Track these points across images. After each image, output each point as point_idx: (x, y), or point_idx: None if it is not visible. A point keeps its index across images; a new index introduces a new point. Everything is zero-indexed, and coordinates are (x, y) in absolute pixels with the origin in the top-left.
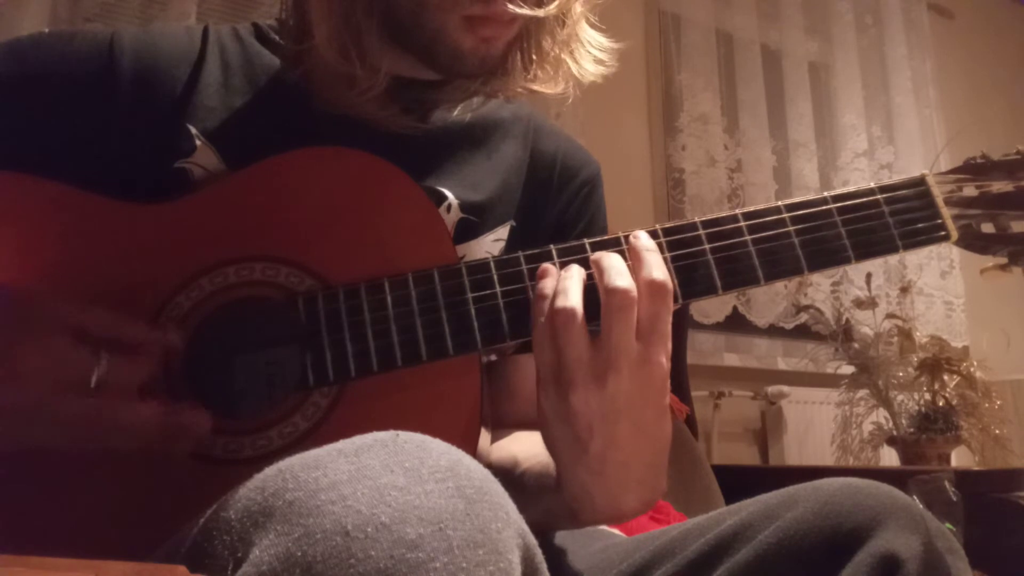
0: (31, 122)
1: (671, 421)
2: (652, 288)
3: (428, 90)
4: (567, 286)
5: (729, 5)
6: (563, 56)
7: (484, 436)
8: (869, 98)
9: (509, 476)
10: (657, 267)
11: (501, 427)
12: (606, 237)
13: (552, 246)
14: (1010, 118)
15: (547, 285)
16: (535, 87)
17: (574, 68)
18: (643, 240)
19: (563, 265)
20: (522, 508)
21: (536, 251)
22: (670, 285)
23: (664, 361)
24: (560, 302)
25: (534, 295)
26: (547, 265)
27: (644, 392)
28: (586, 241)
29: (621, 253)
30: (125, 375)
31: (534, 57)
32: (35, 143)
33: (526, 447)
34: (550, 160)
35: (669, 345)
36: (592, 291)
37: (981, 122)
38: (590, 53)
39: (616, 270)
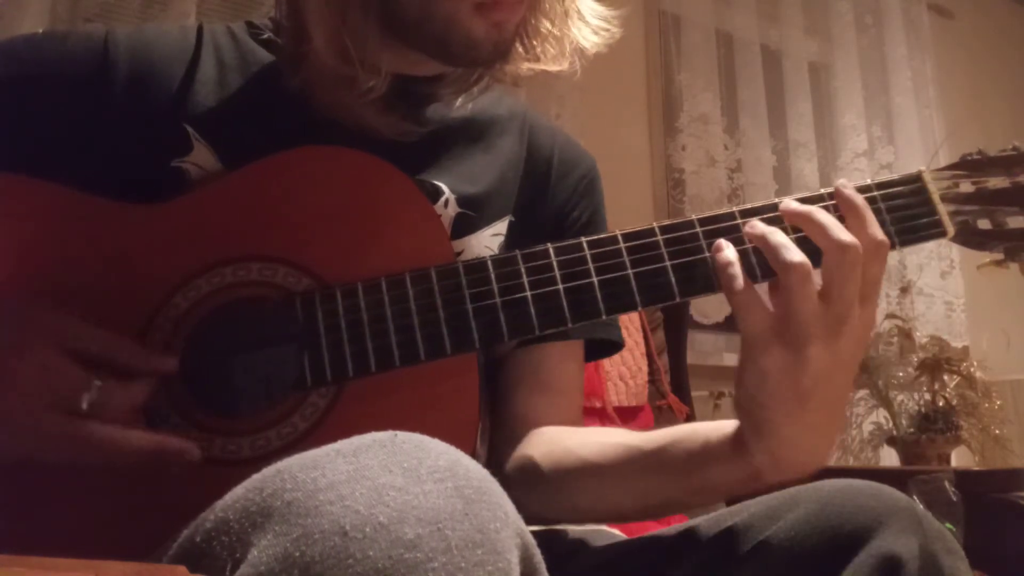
0: (27, 123)
1: None
2: (878, 246)
3: (430, 84)
4: (782, 241)
5: (729, 5)
6: (565, 31)
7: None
8: (869, 98)
9: (627, 459)
10: (877, 224)
11: (537, 423)
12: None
13: (549, 244)
14: (1010, 118)
15: (730, 254)
16: (540, 66)
17: (579, 38)
18: (856, 194)
19: (564, 264)
20: (664, 485)
21: (533, 250)
22: (888, 241)
23: (875, 315)
24: (789, 257)
25: (715, 264)
26: (721, 240)
27: (860, 344)
28: (583, 239)
29: (648, 245)
30: (116, 400)
31: (541, 32)
32: (31, 144)
33: (629, 436)
34: (547, 155)
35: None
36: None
37: (981, 121)
38: (589, 23)
39: (840, 227)
